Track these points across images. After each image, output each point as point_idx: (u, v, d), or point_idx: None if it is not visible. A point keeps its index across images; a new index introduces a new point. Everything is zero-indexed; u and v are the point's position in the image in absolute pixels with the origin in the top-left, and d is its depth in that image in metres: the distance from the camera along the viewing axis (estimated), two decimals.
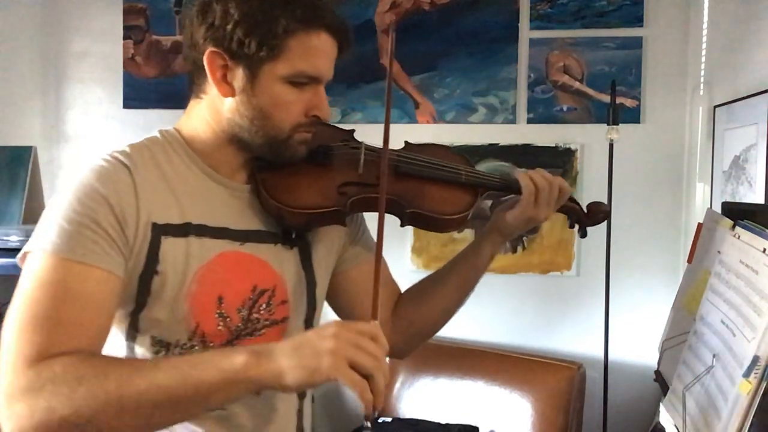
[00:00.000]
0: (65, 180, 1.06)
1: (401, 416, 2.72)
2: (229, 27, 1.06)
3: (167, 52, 3.10)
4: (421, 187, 1.24)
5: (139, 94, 3.12)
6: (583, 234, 1.38)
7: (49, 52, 3.17)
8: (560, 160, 2.84)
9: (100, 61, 3.15)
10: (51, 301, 0.97)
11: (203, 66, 1.09)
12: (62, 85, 3.18)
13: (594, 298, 2.73)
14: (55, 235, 1.00)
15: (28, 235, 2.98)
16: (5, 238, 2.70)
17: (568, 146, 2.85)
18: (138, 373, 0.93)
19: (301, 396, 1.24)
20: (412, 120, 2.97)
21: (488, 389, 2.70)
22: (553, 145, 2.86)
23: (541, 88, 2.88)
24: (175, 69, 3.10)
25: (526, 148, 2.87)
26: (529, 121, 2.89)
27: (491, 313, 2.87)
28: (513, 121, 2.90)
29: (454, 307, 1.34)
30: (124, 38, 3.12)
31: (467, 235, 2.92)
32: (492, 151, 2.87)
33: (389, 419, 2.70)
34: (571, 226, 1.38)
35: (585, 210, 1.36)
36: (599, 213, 1.35)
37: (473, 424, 2.63)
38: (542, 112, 2.88)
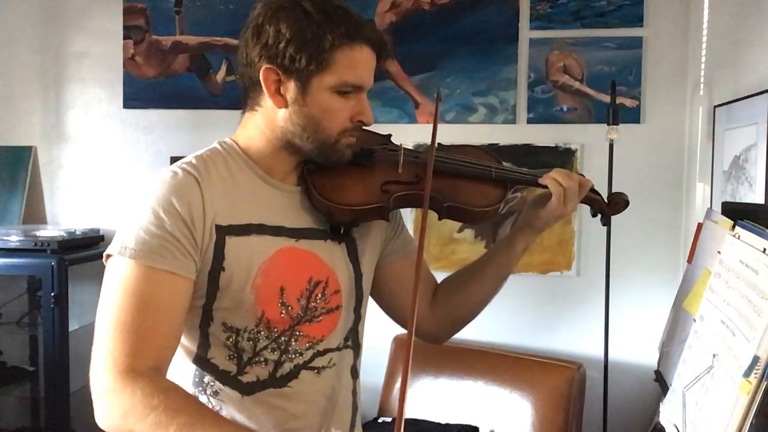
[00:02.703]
0: (141, 189, 1.22)
1: None
2: (282, 45, 1.19)
3: (167, 52, 3.10)
4: (456, 183, 1.36)
5: (139, 94, 3.12)
6: (605, 222, 1.50)
7: (49, 52, 3.17)
8: (560, 160, 2.84)
9: (100, 61, 3.14)
10: (135, 310, 1.13)
11: (259, 81, 1.22)
12: (62, 85, 3.18)
13: (594, 298, 2.73)
14: (135, 243, 1.15)
15: (27, 234, 2.99)
16: (5, 238, 2.70)
17: (568, 146, 2.85)
18: (197, 428, 1.06)
19: (355, 376, 1.37)
20: (412, 120, 2.97)
21: (488, 389, 2.70)
22: (553, 145, 2.86)
23: (541, 88, 2.88)
24: (175, 69, 3.11)
25: (526, 148, 2.87)
26: (529, 121, 2.89)
27: (491, 313, 2.85)
28: (513, 121, 2.90)
29: (489, 296, 1.46)
30: (124, 38, 3.12)
31: (466, 235, 2.92)
32: (492, 151, 2.86)
33: (389, 419, 2.70)
34: (594, 215, 1.50)
35: (606, 200, 1.48)
36: (619, 202, 1.48)
37: (473, 424, 2.63)
38: (542, 112, 2.88)
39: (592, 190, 1.44)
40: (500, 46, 2.89)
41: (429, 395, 2.74)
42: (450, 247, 2.93)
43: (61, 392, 2.63)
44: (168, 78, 3.11)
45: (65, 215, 3.19)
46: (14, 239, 2.70)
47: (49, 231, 2.77)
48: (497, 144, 2.87)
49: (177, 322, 1.17)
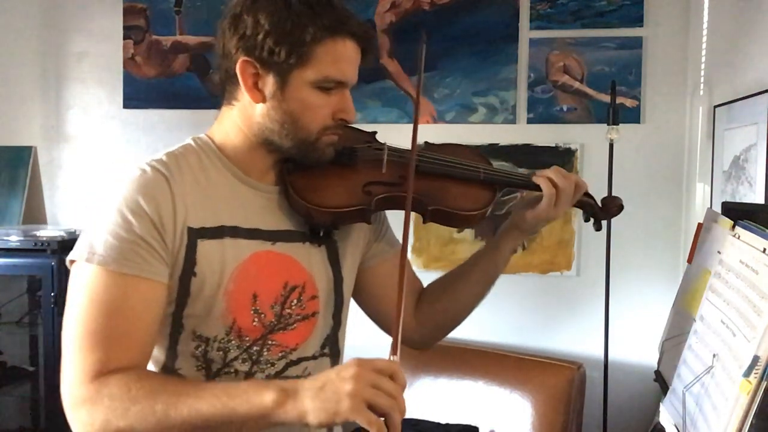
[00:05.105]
0: (109, 188, 1.17)
1: None
2: (260, 37, 1.13)
3: (167, 52, 3.10)
4: (442, 185, 1.30)
5: (139, 94, 3.12)
6: (598, 227, 1.43)
7: (49, 52, 3.17)
8: (560, 160, 2.84)
9: (100, 61, 3.15)
10: (105, 318, 1.07)
11: (236, 75, 1.16)
12: (62, 85, 3.18)
13: (594, 298, 2.73)
14: (102, 248, 1.09)
15: (27, 234, 2.99)
16: (5, 238, 2.70)
17: (568, 146, 2.85)
18: (182, 399, 1.02)
19: None
20: (412, 120, 2.96)
21: (488, 389, 2.70)
22: (553, 145, 2.86)
23: (541, 88, 2.88)
24: (175, 69, 3.11)
25: (526, 148, 2.87)
26: (529, 121, 2.89)
27: (491, 313, 2.86)
28: (513, 121, 2.90)
29: (476, 301, 1.39)
30: (124, 38, 3.12)
31: (466, 235, 2.92)
32: (492, 151, 2.87)
33: None
34: (587, 220, 1.43)
35: (600, 204, 1.40)
36: (613, 207, 1.40)
37: (473, 424, 2.63)
38: (542, 112, 2.88)
39: (586, 194, 1.36)
40: (500, 46, 2.89)
41: (429, 395, 2.74)
42: (450, 247, 2.93)
43: (61, 392, 2.63)
44: (168, 78, 3.11)
45: (65, 215, 3.19)
46: (14, 239, 2.70)
47: (49, 231, 2.77)
48: (497, 144, 2.87)
49: (150, 330, 1.11)
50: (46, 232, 2.74)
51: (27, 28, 3.16)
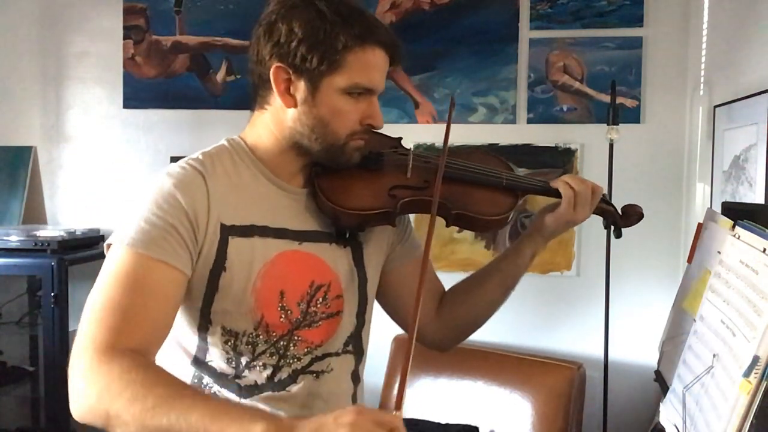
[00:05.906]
0: (147, 182, 1.21)
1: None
2: (294, 44, 1.18)
3: (167, 52, 3.10)
4: (465, 190, 1.34)
5: (139, 94, 3.12)
6: (618, 234, 1.47)
7: (49, 52, 3.17)
8: (560, 160, 2.84)
9: (100, 61, 3.15)
10: (124, 291, 1.10)
11: (269, 80, 1.21)
12: (62, 85, 3.18)
13: (594, 298, 2.73)
14: (134, 232, 1.14)
15: (27, 234, 2.98)
16: (5, 238, 2.70)
17: (568, 146, 2.85)
18: (177, 401, 1.00)
19: (356, 381, 1.35)
20: (412, 120, 2.97)
21: (488, 389, 2.70)
22: (553, 145, 2.86)
23: (541, 88, 2.88)
24: (175, 69, 3.11)
25: (526, 148, 2.87)
26: (529, 121, 2.89)
27: None
28: (513, 121, 2.90)
29: (497, 304, 1.44)
30: (124, 38, 3.12)
31: (466, 235, 2.92)
32: (492, 151, 2.87)
33: None
34: (606, 227, 1.47)
35: (620, 212, 1.45)
36: (634, 215, 1.45)
37: (473, 424, 2.63)
38: (542, 112, 2.88)
39: (606, 201, 1.41)
40: (500, 46, 2.89)
41: (429, 395, 2.74)
42: (450, 248, 2.93)
43: (61, 392, 2.61)
44: (168, 78, 3.11)
45: (65, 215, 3.19)
46: (14, 239, 2.70)
47: (49, 231, 2.77)
48: (497, 144, 2.87)
49: (166, 311, 1.14)
50: (46, 232, 2.74)
51: (27, 28, 3.16)
